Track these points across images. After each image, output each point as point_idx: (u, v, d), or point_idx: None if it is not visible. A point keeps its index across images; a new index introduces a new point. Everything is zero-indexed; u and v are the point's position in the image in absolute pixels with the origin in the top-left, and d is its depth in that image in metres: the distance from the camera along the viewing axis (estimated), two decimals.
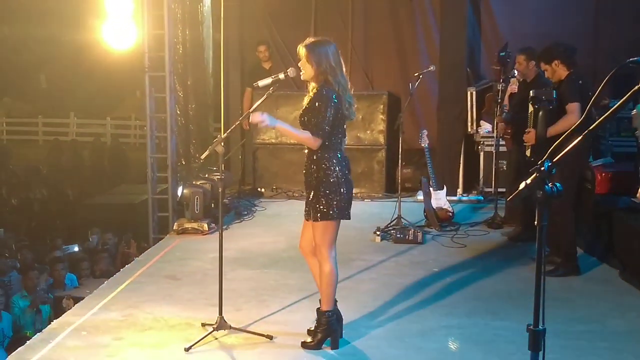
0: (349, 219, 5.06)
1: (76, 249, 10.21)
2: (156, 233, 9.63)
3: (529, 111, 7.01)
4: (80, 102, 29.07)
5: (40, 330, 7.46)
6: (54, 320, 5.95)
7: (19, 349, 5.24)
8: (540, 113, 6.71)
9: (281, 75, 5.12)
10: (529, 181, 2.45)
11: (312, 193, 4.95)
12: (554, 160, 2.42)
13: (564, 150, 2.44)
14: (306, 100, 4.97)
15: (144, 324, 5.61)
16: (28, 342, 5.36)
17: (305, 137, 4.86)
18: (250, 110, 5.53)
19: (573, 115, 6.50)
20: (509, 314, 5.75)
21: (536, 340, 2.64)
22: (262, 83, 5.19)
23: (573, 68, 6.75)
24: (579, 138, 2.45)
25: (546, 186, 2.42)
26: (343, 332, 5.19)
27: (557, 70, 6.74)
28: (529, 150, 7.12)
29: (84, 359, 4.99)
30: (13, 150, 24.21)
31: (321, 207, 4.91)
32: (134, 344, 5.21)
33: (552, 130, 6.60)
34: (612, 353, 5.09)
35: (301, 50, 4.90)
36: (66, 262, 9.65)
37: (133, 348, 5.15)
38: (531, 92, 6.89)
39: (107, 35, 9.35)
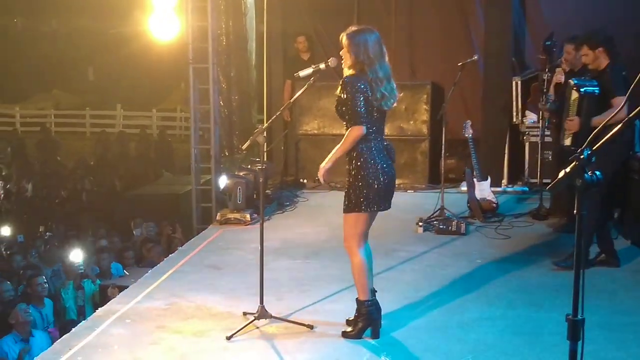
0: (387, 209, 5.03)
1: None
2: (200, 223, 9.74)
3: (573, 98, 6.85)
4: (126, 94, 29.46)
5: (82, 307, 7.61)
6: (99, 308, 6.04)
7: (64, 336, 5.35)
8: (585, 101, 6.58)
9: (322, 65, 5.12)
10: (568, 169, 2.41)
11: (346, 184, 4.95)
12: (594, 148, 2.38)
13: (603, 138, 2.40)
14: (338, 90, 4.95)
15: (187, 313, 5.67)
16: (73, 329, 5.47)
17: (349, 138, 4.84)
18: (291, 100, 5.55)
19: (621, 110, 6.34)
20: (553, 305, 5.68)
21: (575, 330, 2.60)
22: (302, 73, 5.19)
23: (615, 58, 6.61)
24: (619, 126, 2.41)
25: (585, 174, 2.38)
26: (382, 322, 5.18)
27: (599, 58, 6.60)
28: (569, 138, 6.95)
29: (127, 346, 5.07)
30: (61, 142, 24.62)
31: (352, 198, 4.90)
32: (177, 332, 5.27)
33: (597, 122, 6.46)
34: None
35: (343, 39, 4.89)
36: (111, 251, 9.81)
37: (176, 336, 5.21)
38: (573, 79, 6.77)
39: (153, 27, 9.45)
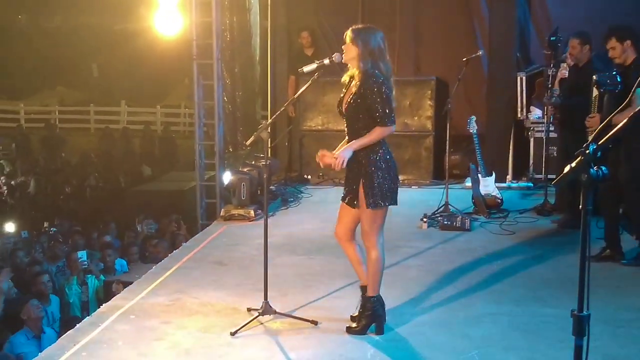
0: (396, 204, 5.04)
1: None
2: (204, 219, 9.73)
3: (593, 95, 6.80)
4: (130, 90, 29.48)
5: (86, 302, 7.62)
6: (104, 304, 6.05)
7: (69, 332, 5.35)
8: (606, 97, 6.53)
9: (326, 61, 5.10)
10: (573, 164, 2.40)
11: (360, 181, 4.92)
12: (600, 143, 2.37)
13: (614, 133, 2.38)
14: (353, 85, 4.90)
15: (191, 309, 5.67)
16: (78, 325, 5.47)
17: (377, 134, 4.84)
18: (295, 96, 5.53)
19: None
20: (558, 301, 5.65)
21: (580, 325, 2.58)
22: (307, 69, 5.18)
23: None
24: (626, 120, 2.40)
25: (591, 170, 2.37)
26: (387, 318, 5.17)
27: (627, 52, 6.54)
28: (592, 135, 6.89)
29: (132, 342, 5.07)
30: (66, 138, 24.65)
31: (372, 194, 4.88)
32: (181, 328, 5.27)
33: (617, 119, 6.40)
34: None
35: (348, 33, 4.89)
36: (116, 247, 9.82)
37: (180, 332, 5.21)
38: (594, 76, 6.71)
39: (157, 23, 9.45)
